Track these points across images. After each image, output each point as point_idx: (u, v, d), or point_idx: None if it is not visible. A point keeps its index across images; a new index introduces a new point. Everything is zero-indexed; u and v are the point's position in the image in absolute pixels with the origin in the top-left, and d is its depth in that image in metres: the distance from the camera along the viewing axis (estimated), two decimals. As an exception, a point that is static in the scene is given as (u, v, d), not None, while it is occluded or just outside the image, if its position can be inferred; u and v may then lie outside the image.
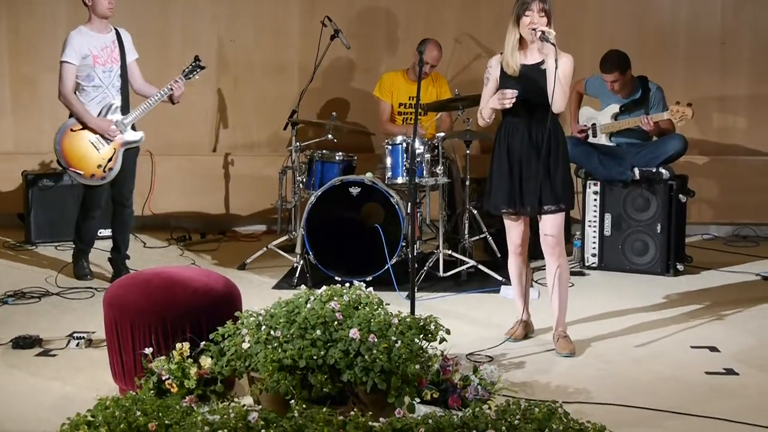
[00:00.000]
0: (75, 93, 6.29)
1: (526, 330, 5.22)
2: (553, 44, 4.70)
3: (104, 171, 6.30)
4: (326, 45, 7.41)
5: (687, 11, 8.11)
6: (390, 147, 6.50)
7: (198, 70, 6.59)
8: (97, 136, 6.28)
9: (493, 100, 4.90)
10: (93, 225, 6.62)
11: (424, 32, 7.62)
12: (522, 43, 4.87)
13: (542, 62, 4.84)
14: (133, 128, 6.44)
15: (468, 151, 6.69)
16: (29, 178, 7.75)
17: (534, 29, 4.76)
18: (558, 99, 4.77)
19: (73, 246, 6.72)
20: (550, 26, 4.78)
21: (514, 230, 5.06)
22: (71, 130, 6.28)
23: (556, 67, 4.68)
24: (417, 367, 3.90)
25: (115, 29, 6.43)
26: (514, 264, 5.17)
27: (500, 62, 4.95)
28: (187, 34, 8.39)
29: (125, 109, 6.40)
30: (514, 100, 4.81)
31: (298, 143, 7.08)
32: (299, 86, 7.96)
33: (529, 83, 4.84)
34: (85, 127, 6.26)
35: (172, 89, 6.41)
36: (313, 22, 7.79)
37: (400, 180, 6.46)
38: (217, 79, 8.44)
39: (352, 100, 8.37)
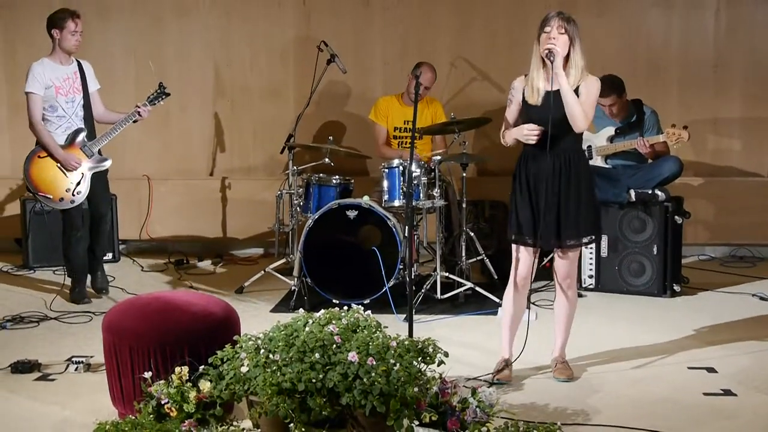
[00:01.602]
0: (44, 124, 6.43)
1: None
2: (551, 61, 4.58)
3: (73, 194, 6.44)
4: (322, 69, 7.46)
5: (679, 35, 8.16)
6: (387, 170, 6.53)
7: (163, 97, 6.74)
8: None
9: (518, 133, 4.74)
10: (79, 249, 6.67)
11: (419, 56, 7.67)
12: (545, 64, 4.69)
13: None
14: (100, 153, 6.56)
15: (464, 174, 6.71)
16: (27, 203, 7.76)
17: (544, 48, 4.62)
18: (576, 119, 4.62)
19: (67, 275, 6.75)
20: (574, 48, 4.65)
21: (524, 262, 4.86)
22: (38, 156, 6.44)
23: (560, 83, 4.60)
24: (416, 389, 3.90)
25: (77, 61, 6.57)
26: (511, 298, 4.93)
27: (523, 86, 4.79)
28: (183, 59, 8.43)
29: (91, 136, 6.55)
30: (536, 138, 4.66)
31: (295, 167, 7.12)
32: (296, 110, 8.01)
33: (551, 111, 4.64)
34: (51, 156, 6.39)
35: (138, 114, 6.55)
36: (309, 46, 7.85)
37: (397, 203, 6.48)
38: (213, 104, 8.48)
39: (348, 124, 8.40)
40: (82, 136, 6.46)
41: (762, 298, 6.59)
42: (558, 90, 4.65)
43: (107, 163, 6.58)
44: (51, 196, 6.40)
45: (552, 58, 4.60)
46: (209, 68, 8.46)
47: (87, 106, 6.55)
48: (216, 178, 8.48)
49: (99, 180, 6.58)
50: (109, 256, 7.73)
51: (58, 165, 6.39)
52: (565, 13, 4.71)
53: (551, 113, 4.64)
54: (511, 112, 4.86)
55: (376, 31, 8.35)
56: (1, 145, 8.57)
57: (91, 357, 5.15)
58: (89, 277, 6.79)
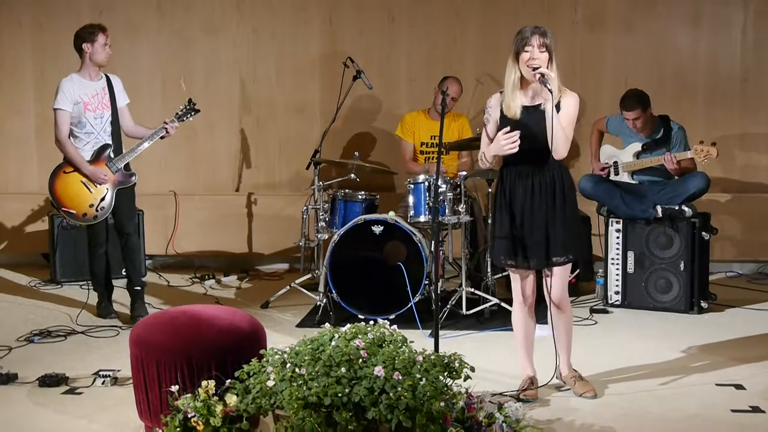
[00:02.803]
0: (72, 140, 6.43)
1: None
2: (550, 90, 4.45)
3: (96, 210, 6.42)
4: (348, 85, 7.49)
5: (706, 50, 8.14)
6: (412, 186, 6.54)
7: (192, 113, 6.71)
8: None
9: (495, 147, 4.58)
10: (103, 264, 6.69)
11: (444, 72, 7.68)
12: (522, 81, 4.59)
13: (541, 104, 4.57)
14: (127, 168, 6.55)
15: (490, 190, 6.72)
16: (54, 218, 7.82)
17: (534, 70, 4.49)
18: (559, 145, 4.51)
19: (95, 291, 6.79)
20: (552, 63, 4.53)
21: (520, 281, 4.81)
22: (64, 171, 6.44)
23: (552, 115, 4.47)
24: (442, 404, 3.89)
25: (106, 75, 6.57)
26: (519, 317, 4.89)
27: (500, 102, 4.67)
28: (210, 76, 8.50)
29: (118, 152, 6.53)
30: (516, 147, 4.50)
31: (320, 182, 7.14)
32: (321, 125, 8.05)
33: (531, 127, 4.56)
34: (78, 171, 6.40)
35: (165, 130, 6.53)
36: (335, 62, 7.88)
37: (422, 218, 6.48)
38: (239, 120, 8.54)
39: (374, 140, 8.43)
40: (108, 152, 6.47)
41: (791, 315, 6.55)
42: (538, 105, 4.58)
43: (133, 179, 6.57)
44: (74, 212, 6.40)
45: (547, 84, 4.48)
46: (236, 85, 8.52)
47: (115, 122, 6.53)
48: (242, 193, 8.52)
49: (125, 196, 6.56)
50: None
51: (83, 180, 6.40)
52: (541, 27, 4.59)
53: (536, 129, 4.56)
54: (489, 132, 4.73)
55: (402, 48, 8.38)
56: (30, 161, 8.65)
57: (118, 371, 5.17)
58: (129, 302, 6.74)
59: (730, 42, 8.11)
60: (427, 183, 6.48)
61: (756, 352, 5.65)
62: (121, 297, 6.94)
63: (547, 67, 4.52)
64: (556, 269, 4.78)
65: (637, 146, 6.89)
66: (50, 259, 7.90)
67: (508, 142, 4.51)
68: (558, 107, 4.56)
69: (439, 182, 6.24)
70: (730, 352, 5.67)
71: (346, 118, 8.24)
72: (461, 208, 6.50)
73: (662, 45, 8.16)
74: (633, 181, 6.93)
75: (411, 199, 6.53)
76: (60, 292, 7.54)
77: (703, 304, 6.66)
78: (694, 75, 8.14)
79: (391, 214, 6.49)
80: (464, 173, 6.63)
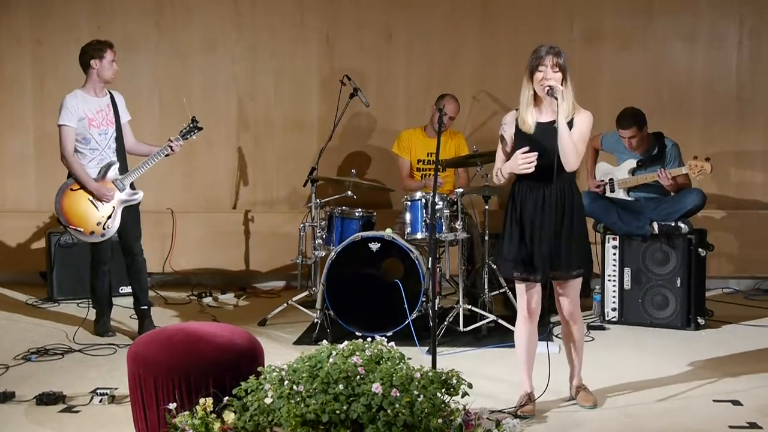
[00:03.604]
0: (77, 156, 6.43)
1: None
2: (556, 99, 4.56)
3: (103, 228, 6.40)
4: (345, 103, 7.52)
5: (702, 68, 8.18)
6: (409, 203, 6.55)
7: (195, 131, 6.71)
8: None
9: (512, 164, 4.68)
10: (105, 282, 6.68)
11: (441, 89, 7.71)
12: (537, 99, 4.71)
13: (555, 120, 4.63)
14: (132, 186, 6.54)
15: (487, 207, 6.73)
16: (52, 236, 7.82)
17: (544, 86, 4.62)
18: (569, 157, 4.60)
19: (92, 307, 6.78)
20: (566, 82, 4.64)
21: (527, 295, 4.81)
22: (71, 189, 6.42)
23: (558, 121, 4.58)
24: (439, 421, 3.90)
25: (110, 92, 6.57)
26: (523, 331, 4.89)
27: (515, 119, 4.76)
28: (208, 93, 8.52)
29: (123, 169, 6.52)
30: (533, 168, 4.61)
31: (317, 200, 7.15)
32: (318, 143, 8.07)
33: (544, 142, 4.64)
34: (83, 188, 6.38)
35: (171, 148, 6.53)
36: (332, 80, 7.91)
37: (419, 235, 6.50)
38: (237, 137, 8.55)
39: (370, 157, 8.45)
40: (114, 170, 6.45)
41: (787, 331, 6.56)
42: (552, 121, 4.65)
43: (138, 197, 6.55)
44: (82, 230, 6.38)
45: (555, 95, 4.58)
46: (233, 102, 8.54)
47: (120, 139, 6.52)
48: (239, 211, 8.53)
49: (131, 215, 6.54)
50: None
51: (90, 198, 6.38)
52: (555, 47, 4.68)
53: (549, 145, 4.63)
54: (504, 149, 4.84)
55: (400, 65, 8.41)
56: (28, 178, 8.66)
57: (116, 389, 5.16)
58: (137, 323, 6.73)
59: (726, 59, 8.15)
60: (423, 200, 6.50)
61: (753, 368, 5.66)
62: (118, 315, 6.95)
63: (561, 86, 4.62)
64: (567, 282, 4.84)
65: (632, 163, 6.92)
66: (48, 277, 7.89)
67: (525, 162, 4.61)
68: (571, 124, 4.67)
69: (436, 199, 6.25)
70: (727, 368, 5.68)
71: (344, 136, 8.27)
72: (458, 225, 6.52)
73: (658, 62, 8.20)
74: (629, 198, 6.96)
75: (408, 216, 6.55)
76: (57, 310, 7.54)
77: (700, 321, 6.67)
78: (691, 92, 8.17)
79: (388, 231, 6.50)
80: (461, 190, 6.65)
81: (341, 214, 6.86)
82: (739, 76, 8.13)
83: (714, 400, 5.05)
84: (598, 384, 5.21)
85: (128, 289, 7.09)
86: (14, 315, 7.34)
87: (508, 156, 4.80)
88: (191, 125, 6.69)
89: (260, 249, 8.45)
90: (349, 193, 7.08)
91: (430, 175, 7.43)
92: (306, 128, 8.51)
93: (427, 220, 6.40)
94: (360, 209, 6.90)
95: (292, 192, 8.42)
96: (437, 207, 6.37)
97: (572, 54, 8.06)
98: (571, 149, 4.61)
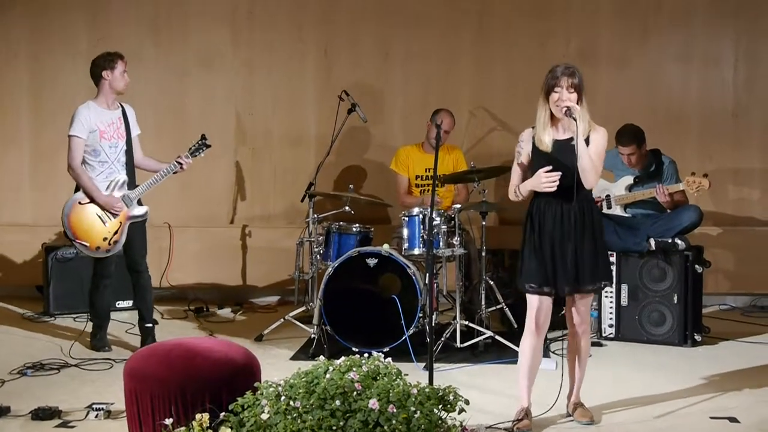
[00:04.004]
0: (86, 168, 6.39)
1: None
2: (575, 118, 4.62)
3: (109, 244, 6.38)
4: (343, 118, 7.53)
5: (698, 87, 8.21)
6: (407, 218, 6.56)
7: (204, 149, 6.68)
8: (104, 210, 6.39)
9: (534, 183, 4.75)
10: (105, 296, 6.67)
11: (438, 104, 7.73)
12: (553, 118, 4.78)
13: (573, 138, 4.71)
14: (139, 203, 6.52)
15: (484, 223, 6.74)
16: (48, 250, 7.81)
17: (561, 106, 4.68)
18: (589, 175, 4.68)
19: (90, 321, 6.77)
20: (581, 101, 4.70)
21: (538, 308, 4.82)
22: (79, 203, 6.38)
23: (578, 141, 4.64)
24: (436, 437, 3.89)
25: (121, 105, 6.55)
26: (529, 344, 4.88)
27: (532, 136, 4.83)
28: (206, 107, 8.54)
29: (131, 184, 6.49)
30: (555, 187, 4.69)
31: (315, 215, 7.15)
32: (316, 158, 8.09)
33: (561, 160, 4.71)
34: (92, 201, 6.36)
35: (179, 165, 6.51)
36: (330, 95, 7.93)
37: (416, 251, 6.50)
38: (235, 152, 8.56)
39: (368, 172, 8.46)
40: (123, 186, 6.42)
41: (784, 348, 6.56)
42: (569, 138, 4.72)
43: (145, 212, 6.53)
44: (88, 244, 6.36)
45: (574, 116, 4.64)
46: (231, 117, 8.56)
47: (129, 152, 6.49)
48: (236, 226, 8.53)
49: (137, 231, 6.52)
50: (129, 303, 7.78)
51: (98, 213, 6.35)
52: (570, 66, 4.76)
53: (567, 162, 4.69)
54: (521, 165, 4.90)
55: (397, 82, 8.44)
56: (23, 192, 8.67)
57: (112, 404, 5.15)
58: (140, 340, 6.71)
59: (722, 78, 8.18)
60: (421, 216, 6.50)
61: (750, 385, 5.65)
62: (115, 329, 6.94)
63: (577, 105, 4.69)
64: (581, 298, 4.87)
65: (628, 179, 6.94)
66: (44, 291, 7.88)
67: (549, 182, 4.69)
68: (587, 141, 4.72)
69: (434, 215, 6.25)
70: (723, 385, 5.68)
71: (341, 151, 8.28)
72: (455, 240, 6.52)
73: (654, 79, 8.23)
74: (626, 215, 6.97)
75: (405, 232, 6.55)
76: (53, 324, 7.52)
77: (697, 337, 6.67)
78: (686, 110, 8.20)
79: (386, 246, 6.50)
80: (458, 206, 6.66)
81: (339, 230, 6.86)
82: (735, 94, 8.16)
83: (711, 417, 5.04)
84: (595, 400, 5.20)
85: (125, 304, 7.11)
86: (10, 329, 7.33)
87: (524, 172, 4.87)
88: (200, 142, 6.67)
89: (257, 264, 8.45)
90: (347, 208, 7.08)
91: (428, 190, 7.43)
92: (303, 143, 8.52)
93: (425, 236, 6.41)
94: (357, 224, 6.90)
95: (290, 207, 8.43)
96: (434, 223, 6.37)
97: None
98: (590, 167, 4.68)
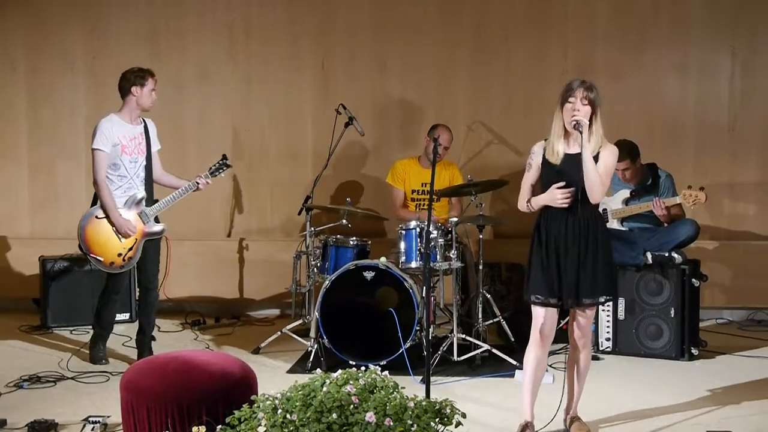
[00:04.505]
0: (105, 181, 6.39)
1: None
2: (581, 132, 4.66)
3: (124, 260, 6.38)
4: (340, 132, 7.54)
5: (695, 100, 8.21)
6: (404, 232, 6.56)
7: (224, 169, 6.71)
8: None
9: (548, 198, 4.80)
10: (113, 308, 6.68)
11: (436, 118, 7.76)
12: (566, 131, 4.80)
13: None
14: (156, 220, 6.52)
15: (481, 236, 6.75)
16: (46, 262, 7.81)
17: (571, 118, 4.71)
18: (595, 190, 4.71)
19: (92, 330, 6.76)
20: (596, 116, 4.74)
21: (544, 320, 4.83)
22: (96, 217, 6.37)
23: (583, 154, 4.68)
24: (433, 450, 3.89)
25: (143, 120, 6.54)
26: (533, 356, 4.88)
27: (543, 148, 4.87)
28: (203, 122, 8.55)
29: (150, 201, 6.48)
30: (568, 203, 4.75)
31: (312, 228, 7.16)
32: (313, 171, 8.10)
33: (571, 173, 4.76)
34: (107, 217, 6.35)
35: (198, 184, 6.52)
36: (327, 108, 7.94)
37: (413, 264, 6.50)
38: (232, 165, 8.55)
39: (365, 185, 8.47)
40: (142, 202, 6.42)
41: (781, 362, 6.57)
42: (579, 153, 4.73)
43: (161, 229, 6.53)
44: (102, 259, 6.35)
45: (581, 129, 4.68)
46: (228, 130, 8.56)
47: (149, 168, 6.49)
48: (234, 239, 8.53)
49: (152, 248, 6.52)
50: (126, 316, 7.79)
51: (114, 229, 6.35)
52: (587, 81, 4.80)
53: (576, 176, 4.72)
54: (530, 177, 4.93)
55: (394, 95, 8.45)
56: (21, 205, 8.67)
57: (108, 417, 5.14)
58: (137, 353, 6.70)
59: (718, 91, 8.19)
60: (418, 229, 6.51)
61: (747, 398, 5.66)
62: (111, 342, 6.91)
63: (590, 120, 4.74)
64: (584, 311, 4.89)
65: (625, 193, 6.95)
66: (41, 303, 7.88)
67: (564, 198, 4.75)
68: (597, 158, 4.75)
69: (431, 228, 6.26)
70: (721, 398, 5.68)
71: (338, 164, 8.28)
72: (452, 254, 6.52)
73: (651, 93, 8.24)
74: (623, 228, 6.98)
75: (402, 245, 6.55)
76: (50, 337, 7.51)
77: (694, 351, 6.67)
78: (683, 123, 8.20)
79: (383, 259, 6.51)
80: (455, 219, 6.67)
81: (336, 243, 6.87)
82: (731, 107, 8.17)
83: (708, 431, 5.04)
84: (592, 415, 5.20)
85: (122, 317, 7.07)
86: (7, 341, 7.32)
87: (533, 183, 4.92)
88: (221, 162, 6.69)
89: (254, 277, 8.44)
90: (344, 221, 7.09)
91: (424, 205, 7.44)
92: (301, 157, 8.53)
93: (422, 249, 6.41)
94: (354, 238, 6.91)
95: (287, 220, 8.44)
96: (432, 236, 6.38)
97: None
98: (597, 182, 4.71)
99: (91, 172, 6.43)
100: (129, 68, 6.51)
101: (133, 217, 6.39)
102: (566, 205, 4.75)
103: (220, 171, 6.69)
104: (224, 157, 6.71)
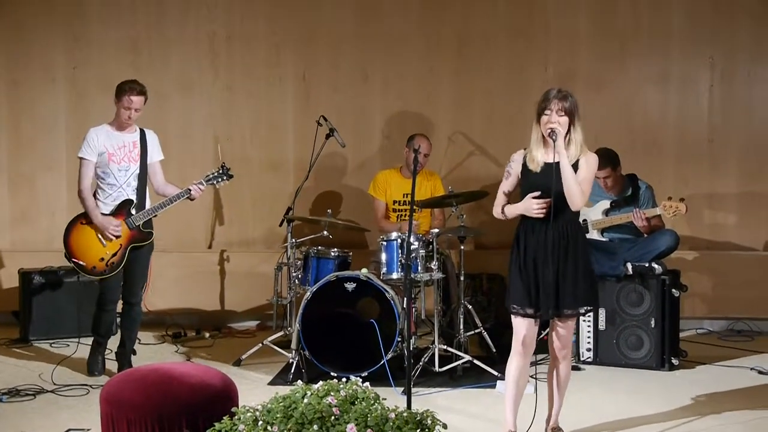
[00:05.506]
0: (96, 190, 6.39)
1: None
2: (554, 140, 4.68)
3: (107, 265, 6.36)
4: (321, 144, 7.54)
5: (675, 110, 8.26)
6: (385, 243, 6.57)
7: (223, 178, 6.64)
8: None
9: (524, 207, 4.81)
10: (109, 318, 6.66)
11: (417, 129, 7.76)
12: (544, 139, 4.81)
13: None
14: (147, 226, 6.48)
15: (462, 247, 6.75)
16: (25, 275, 7.77)
17: (546, 128, 4.74)
18: (574, 197, 4.72)
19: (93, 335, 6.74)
20: (574, 126, 4.77)
21: (525, 330, 4.83)
22: (81, 222, 6.39)
23: (560, 162, 4.70)
24: (414, 462, 3.88)
25: (141, 130, 6.53)
26: (515, 366, 4.88)
27: (523, 157, 4.88)
28: (184, 132, 8.52)
29: (140, 208, 6.45)
30: (543, 214, 4.75)
31: (293, 239, 7.15)
32: (295, 182, 8.09)
33: (549, 182, 4.75)
34: (90, 222, 6.34)
35: (190, 192, 6.48)
36: (308, 118, 7.93)
37: (395, 275, 6.50)
38: (234, 175, 8.53)
39: (346, 197, 8.46)
40: (129, 208, 6.39)
41: (760, 372, 6.58)
42: (558, 162, 4.73)
43: (149, 237, 6.49)
44: (84, 263, 6.34)
45: (554, 138, 4.70)
46: (210, 141, 8.54)
47: (142, 177, 6.45)
48: (215, 250, 8.51)
49: (140, 259, 6.49)
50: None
51: (98, 234, 6.34)
52: (563, 90, 4.83)
53: (553, 186, 4.72)
54: (508, 185, 4.95)
55: (376, 106, 8.46)
56: (1, 218, 8.60)
57: (88, 430, 5.13)
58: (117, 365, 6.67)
59: (698, 101, 8.24)
60: (399, 240, 6.51)
61: (727, 408, 5.67)
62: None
63: (569, 128, 4.78)
64: (565, 321, 4.89)
65: (605, 204, 6.98)
66: (20, 317, 7.83)
67: (539, 209, 4.76)
68: (576, 166, 4.77)
69: (412, 239, 6.27)
70: (701, 408, 5.70)
71: (319, 175, 8.28)
72: (434, 265, 6.53)
73: (631, 103, 8.29)
74: (603, 239, 7.00)
75: (384, 256, 6.56)
76: (29, 350, 7.47)
77: (674, 361, 6.69)
78: (663, 133, 8.25)
79: (364, 271, 6.50)
80: (437, 230, 6.67)
81: (317, 254, 6.86)
82: (711, 118, 8.22)
83: (688, 441, 5.07)
84: (573, 425, 5.21)
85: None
86: (-15, 355, 7.28)
87: (510, 191, 4.95)
88: (219, 171, 6.64)
89: (235, 289, 8.42)
90: (325, 232, 7.09)
91: (405, 216, 7.44)
92: (282, 168, 8.52)
93: (403, 260, 6.42)
94: (336, 249, 6.91)
95: (268, 232, 8.42)
96: (413, 247, 6.39)
97: (546, 96, 8.16)
98: (575, 189, 4.73)
99: (73, 183, 6.43)
100: (128, 79, 6.52)
101: (116, 222, 6.37)
102: (541, 216, 4.76)
103: (218, 180, 6.63)
104: (223, 166, 6.67)
